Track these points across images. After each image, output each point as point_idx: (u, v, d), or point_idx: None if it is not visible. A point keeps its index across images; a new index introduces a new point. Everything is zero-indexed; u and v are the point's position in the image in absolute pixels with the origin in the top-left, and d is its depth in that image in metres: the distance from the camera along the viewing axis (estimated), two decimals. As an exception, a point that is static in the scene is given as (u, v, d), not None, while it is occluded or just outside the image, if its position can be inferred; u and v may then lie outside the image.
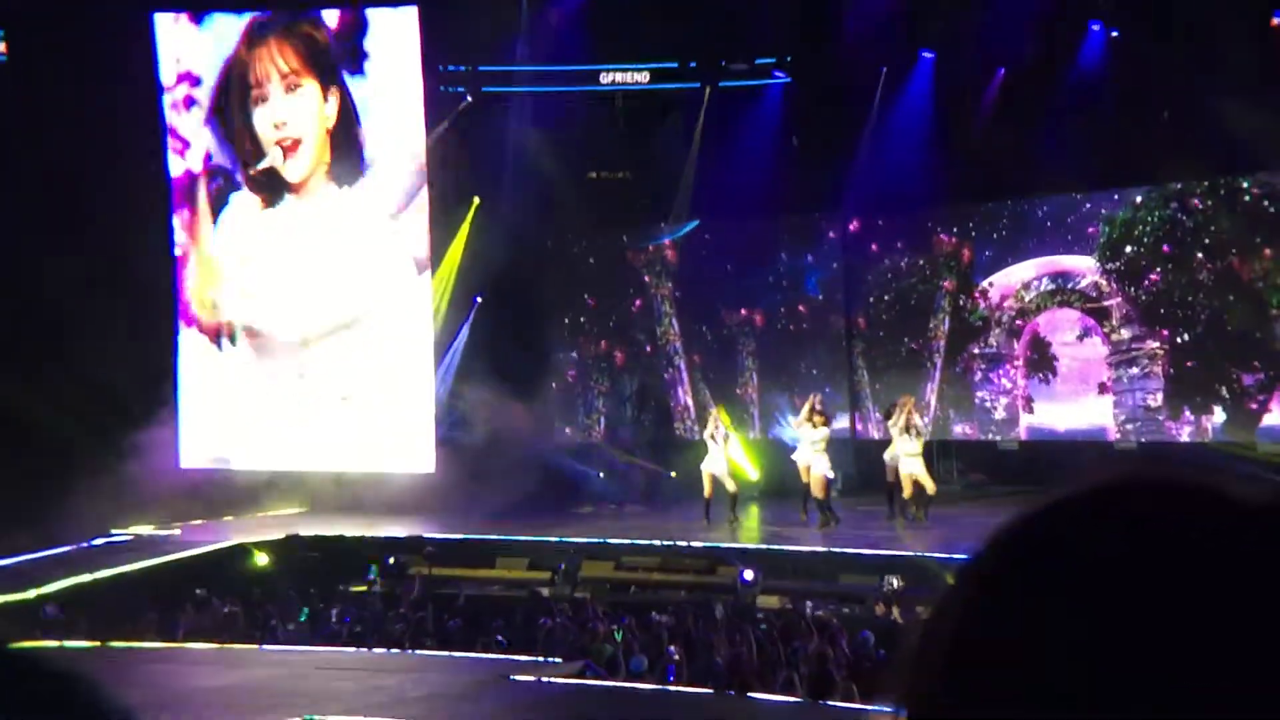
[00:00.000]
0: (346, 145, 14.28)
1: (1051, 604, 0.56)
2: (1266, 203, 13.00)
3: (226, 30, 14.55)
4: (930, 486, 12.30)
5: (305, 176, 14.40)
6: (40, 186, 12.85)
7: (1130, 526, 0.57)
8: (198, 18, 14.64)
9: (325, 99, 14.21)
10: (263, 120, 14.32)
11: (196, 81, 14.69)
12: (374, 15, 14.27)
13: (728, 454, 12.84)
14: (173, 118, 14.79)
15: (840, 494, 13.98)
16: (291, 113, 14.22)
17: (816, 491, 12.40)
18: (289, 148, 14.21)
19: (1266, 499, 0.58)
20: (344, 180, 14.35)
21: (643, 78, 15.10)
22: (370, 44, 14.22)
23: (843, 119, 15.13)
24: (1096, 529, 0.58)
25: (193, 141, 14.84)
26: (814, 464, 12.33)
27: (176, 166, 14.90)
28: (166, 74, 14.69)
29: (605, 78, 15.06)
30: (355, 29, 14.17)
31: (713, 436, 12.89)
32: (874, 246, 15.37)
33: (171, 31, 14.71)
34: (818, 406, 12.60)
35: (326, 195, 14.44)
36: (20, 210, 12.82)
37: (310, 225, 14.49)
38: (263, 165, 14.29)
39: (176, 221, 14.85)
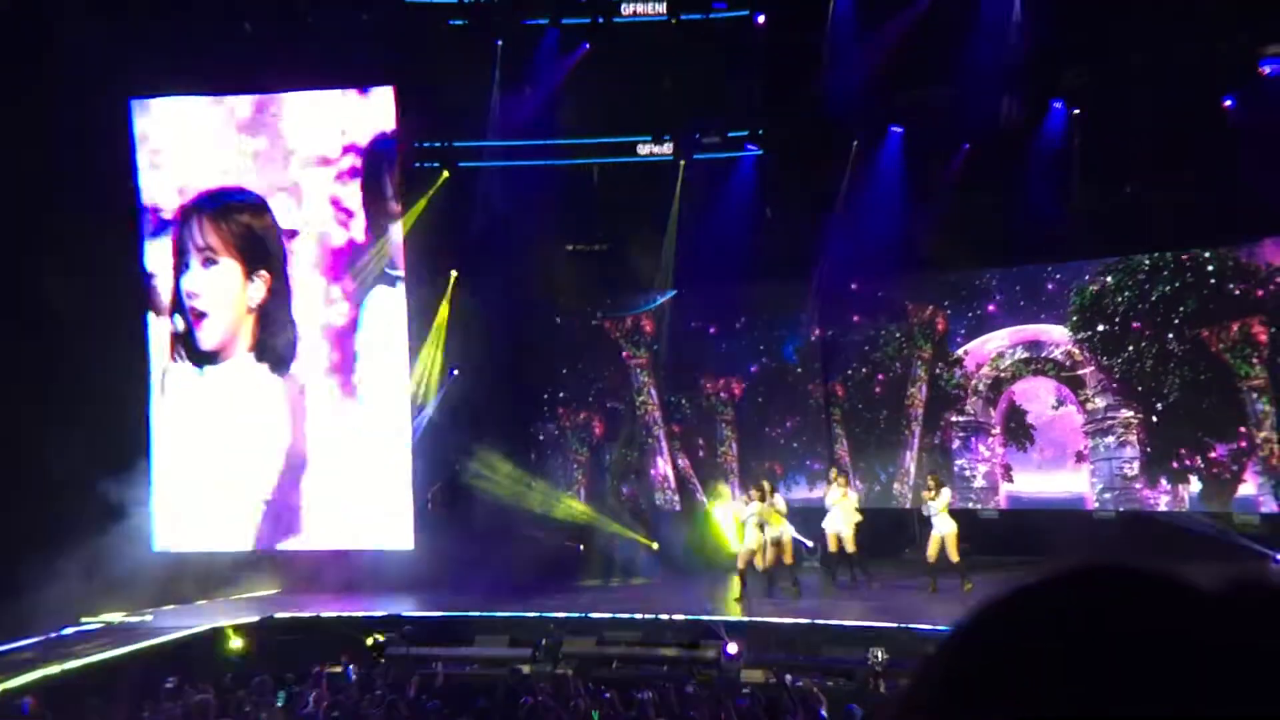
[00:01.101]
0: (276, 325, 14.36)
1: (1017, 694, 0.57)
2: (1229, 276, 13.27)
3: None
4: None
5: (218, 347, 14.46)
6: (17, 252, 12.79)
7: (1091, 617, 0.58)
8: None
9: (249, 279, 14.33)
10: (186, 283, 14.49)
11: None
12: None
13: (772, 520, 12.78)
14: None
15: (820, 562, 13.97)
16: (204, 286, 14.39)
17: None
18: (197, 316, 14.35)
19: (1227, 588, 0.60)
20: (268, 359, 14.40)
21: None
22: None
23: (815, 191, 15.39)
24: (1059, 620, 0.59)
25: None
26: (841, 528, 12.77)
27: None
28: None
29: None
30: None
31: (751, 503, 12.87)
32: (849, 315, 15.52)
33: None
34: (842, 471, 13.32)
35: (251, 368, 14.49)
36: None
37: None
38: (176, 327, 14.39)
39: (151, 319, 14.76)
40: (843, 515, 12.91)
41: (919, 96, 14.56)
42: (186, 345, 14.48)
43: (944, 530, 12.48)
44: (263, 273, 14.40)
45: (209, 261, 14.38)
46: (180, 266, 14.48)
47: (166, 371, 14.59)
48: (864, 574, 12.96)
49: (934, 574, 12.41)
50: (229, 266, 14.40)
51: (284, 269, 14.42)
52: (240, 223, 14.42)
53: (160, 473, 14.52)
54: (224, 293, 14.41)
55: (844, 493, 13.03)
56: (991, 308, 14.84)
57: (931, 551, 12.52)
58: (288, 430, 14.41)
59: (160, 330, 14.62)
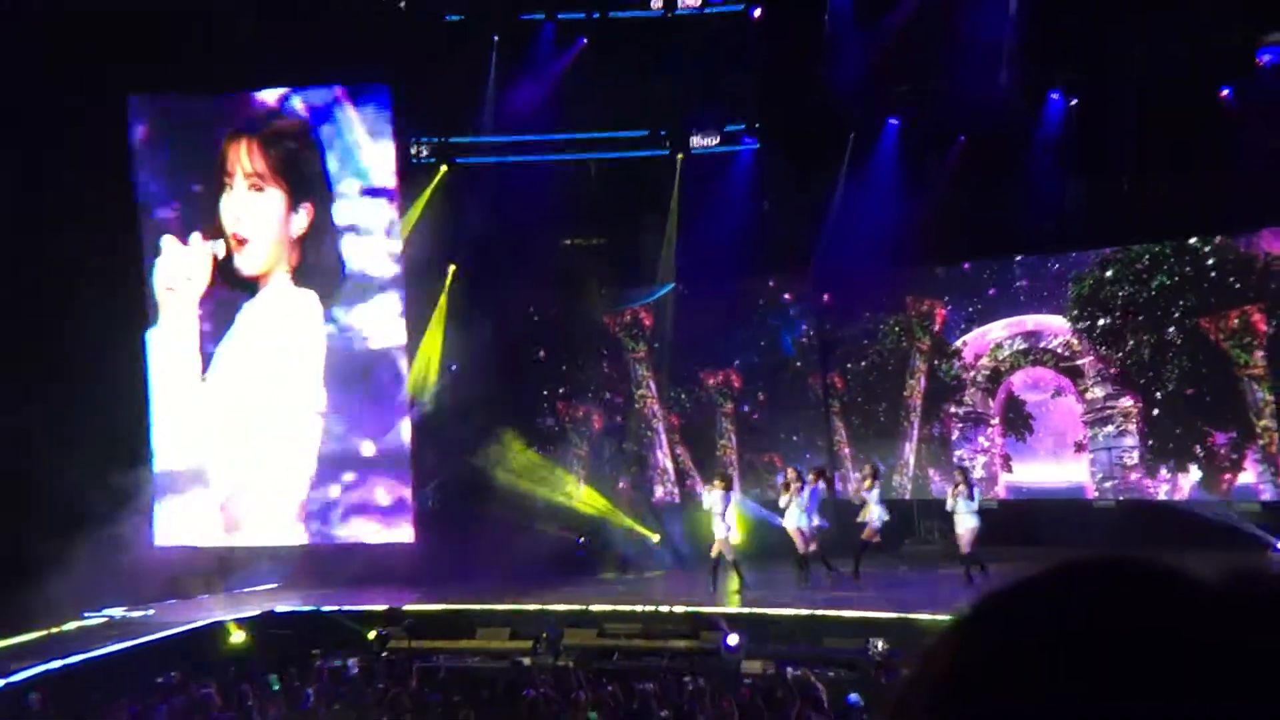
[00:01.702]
0: (321, 254, 14.32)
1: (1018, 689, 0.58)
2: (1228, 266, 13.28)
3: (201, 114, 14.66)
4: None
5: (262, 272, 14.40)
6: (16, 280, 12.80)
7: (1089, 612, 0.59)
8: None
9: (293, 209, 14.29)
10: (225, 208, 14.41)
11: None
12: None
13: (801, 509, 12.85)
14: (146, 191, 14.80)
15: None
16: (246, 211, 14.32)
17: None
18: (240, 242, 14.28)
19: (1222, 583, 0.61)
20: (314, 285, 14.37)
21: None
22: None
23: (812, 184, 15.40)
24: (1059, 614, 0.60)
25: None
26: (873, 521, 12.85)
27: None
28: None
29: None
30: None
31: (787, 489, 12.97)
32: (848, 308, 15.54)
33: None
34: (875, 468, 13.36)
35: (292, 294, 14.43)
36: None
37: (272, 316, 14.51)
38: (219, 250, 14.33)
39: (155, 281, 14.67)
40: (871, 508, 12.98)
41: (916, 89, 14.57)
42: (226, 271, 14.32)
43: (971, 524, 12.49)
44: (306, 204, 14.32)
45: (256, 189, 14.26)
46: (220, 188, 14.28)
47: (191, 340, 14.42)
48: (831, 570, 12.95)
49: (967, 563, 12.35)
50: (273, 195, 14.27)
51: (329, 202, 14.28)
52: (288, 149, 14.30)
53: (162, 466, 14.53)
54: (267, 220, 14.24)
55: (874, 488, 13.04)
56: (990, 299, 14.85)
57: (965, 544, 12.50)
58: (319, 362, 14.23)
59: (192, 260, 14.34)
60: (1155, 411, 13.71)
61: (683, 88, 15.40)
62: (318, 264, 14.32)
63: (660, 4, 15.28)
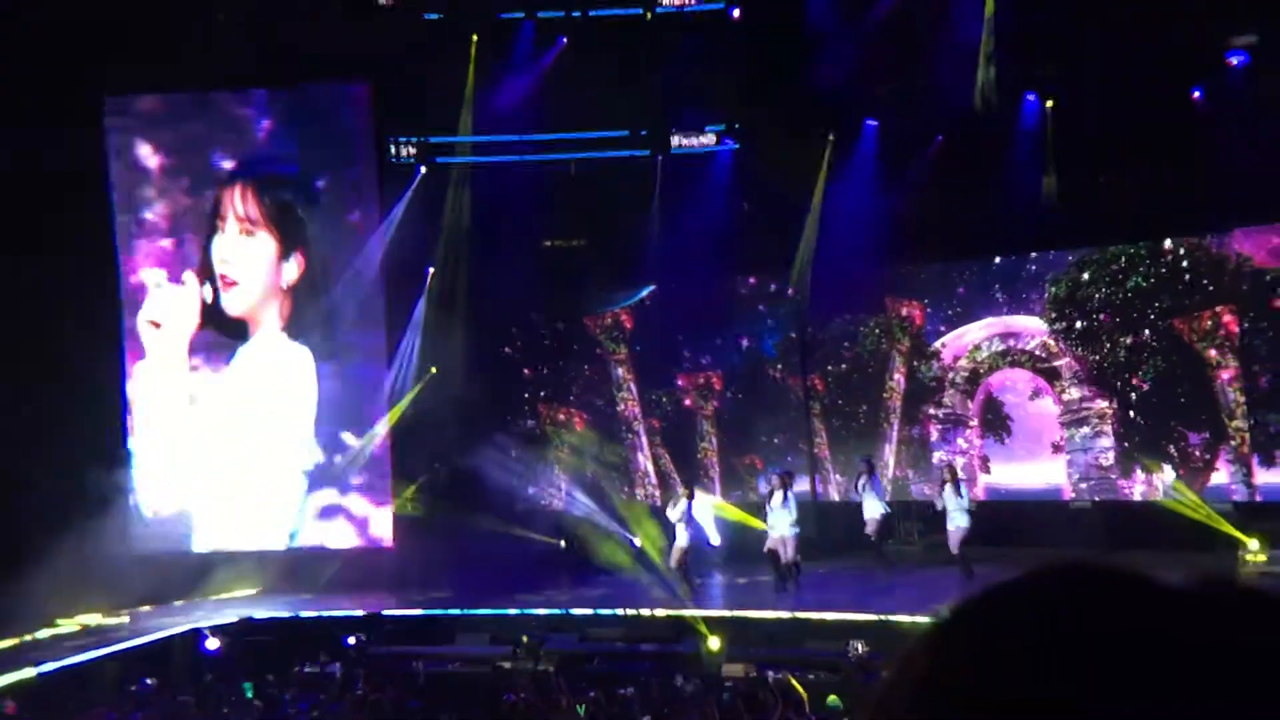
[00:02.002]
0: (314, 305, 14.28)
1: (1000, 691, 0.57)
2: (1200, 267, 13.40)
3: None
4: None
5: (248, 314, 14.33)
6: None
7: (1069, 615, 0.59)
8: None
9: (284, 257, 14.23)
10: (216, 249, 14.33)
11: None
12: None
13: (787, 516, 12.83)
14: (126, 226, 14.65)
15: (802, 556, 14.04)
16: (237, 254, 14.25)
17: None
18: (229, 284, 14.21)
19: (1193, 586, 0.61)
20: (307, 339, 14.31)
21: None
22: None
23: (792, 185, 15.40)
24: (1037, 618, 0.60)
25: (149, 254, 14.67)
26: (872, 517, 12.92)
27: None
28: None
29: None
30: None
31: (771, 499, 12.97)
32: (828, 310, 15.56)
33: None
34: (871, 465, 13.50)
35: (285, 346, 14.39)
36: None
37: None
38: (205, 291, 14.24)
39: (126, 312, 14.56)
40: (871, 506, 13.09)
41: (894, 90, 14.61)
42: (211, 314, 14.27)
43: (960, 523, 12.54)
44: (298, 254, 14.26)
45: (247, 233, 14.23)
46: (212, 230, 14.25)
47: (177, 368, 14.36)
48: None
49: (962, 562, 12.36)
50: (265, 240, 14.24)
51: (321, 253, 14.29)
52: (280, 198, 14.26)
53: (140, 472, 14.39)
54: (257, 264, 14.24)
55: (870, 482, 13.21)
56: (968, 300, 14.92)
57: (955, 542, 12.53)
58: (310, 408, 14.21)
59: (161, 303, 14.32)
60: (1130, 413, 13.83)
61: (663, 88, 15.37)
62: (310, 316, 14.25)
63: (640, 4, 15.25)
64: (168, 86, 14.38)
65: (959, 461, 14.79)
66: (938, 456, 14.84)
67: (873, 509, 13.08)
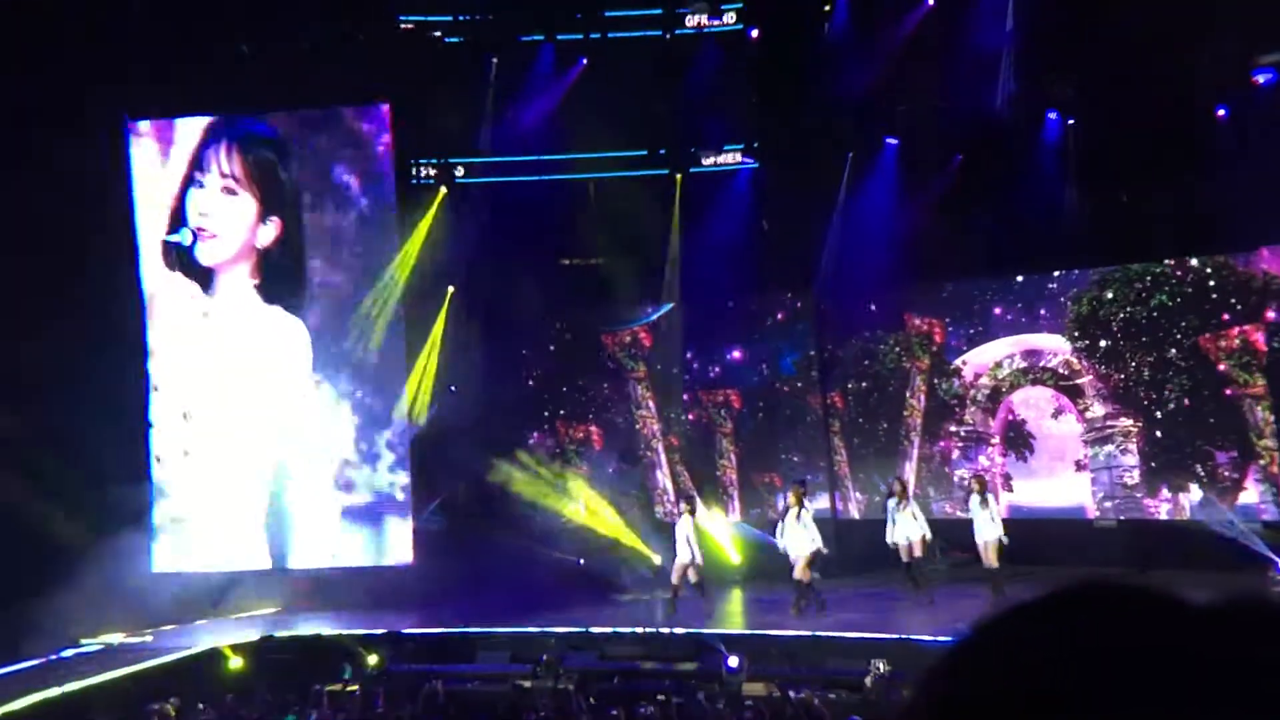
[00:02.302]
0: (285, 271, 14.37)
1: (1023, 710, 0.57)
2: (1227, 285, 13.31)
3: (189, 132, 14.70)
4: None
5: (220, 263, 14.43)
6: (14, 292, 12.76)
7: (1085, 634, 0.59)
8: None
9: (262, 220, 14.34)
10: (192, 201, 14.40)
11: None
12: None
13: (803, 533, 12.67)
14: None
15: (822, 575, 13.96)
16: (216, 208, 14.35)
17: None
18: (204, 236, 14.32)
19: (1218, 606, 0.60)
20: (275, 300, 14.40)
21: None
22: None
23: (811, 203, 15.43)
24: (1058, 638, 0.60)
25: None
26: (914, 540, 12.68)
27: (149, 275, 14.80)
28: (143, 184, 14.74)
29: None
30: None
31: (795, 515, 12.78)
32: (848, 327, 15.54)
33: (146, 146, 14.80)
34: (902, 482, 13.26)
35: (262, 310, 14.50)
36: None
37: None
38: (174, 237, 14.33)
39: (150, 327, 14.72)
40: (906, 525, 12.79)
41: (914, 108, 14.62)
42: (184, 259, 14.35)
43: (988, 536, 12.35)
44: (275, 218, 14.36)
45: (229, 191, 14.35)
46: (191, 181, 14.35)
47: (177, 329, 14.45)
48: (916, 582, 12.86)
49: (996, 578, 12.18)
50: (246, 200, 14.36)
51: (299, 218, 14.35)
52: (264, 159, 14.38)
53: (161, 492, 14.48)
54: (236, 221, 14.35)
55: (904, 504, 12.85)
56: (989, 317, 14.86)
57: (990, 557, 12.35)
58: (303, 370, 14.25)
59: (161, 289, 14.47)
60: (1156, 431, 13.71)
61: (682, 107, 15.44)
62: (283, 277, 14.37)
63: (660, 25, 15.35)
64: (187, 109, 14.56)
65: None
66: (959, 474, 14.74)
67: (906, 532, 12.81)
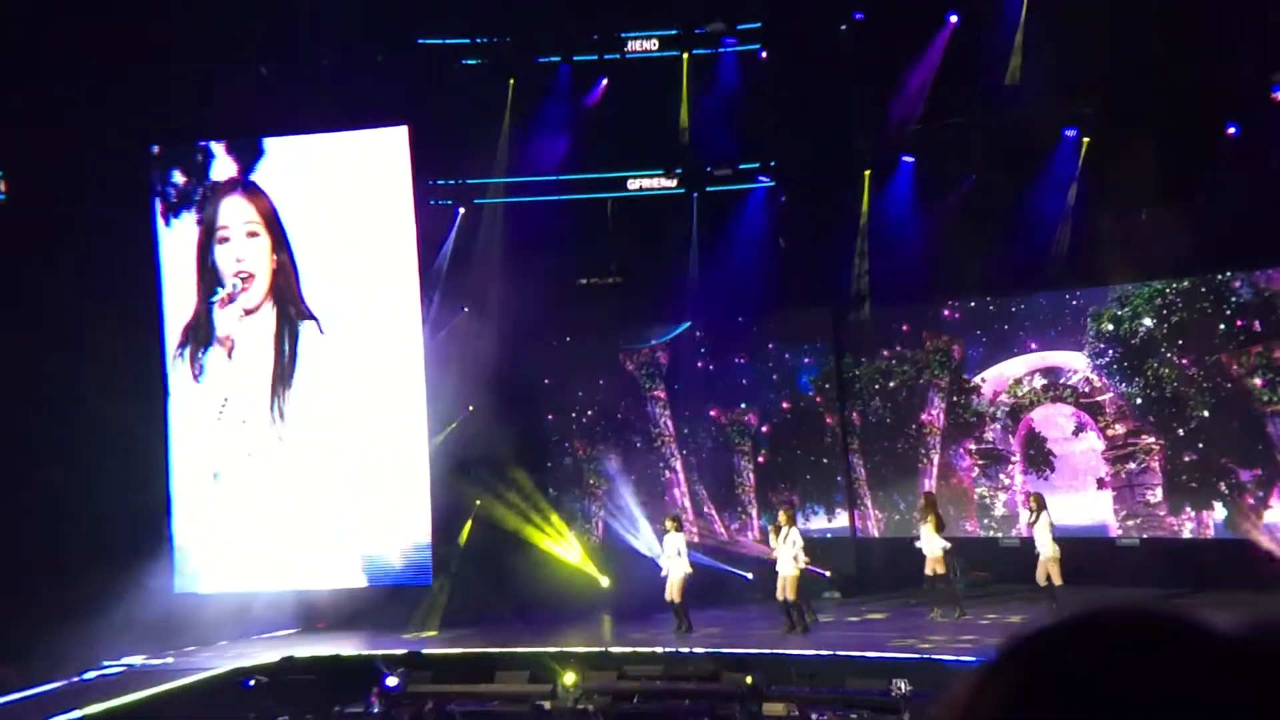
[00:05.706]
0: (301, 294, 14.75)
1: None
2: (1247, 301, 13.22)
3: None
4: None
5: (257, 305, 14.84)
6: (36, 323, 12.91)
7: (1112, 661, 0.59)
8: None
9: (274, 252, 14.81)
10: (224, 256, 14.77)
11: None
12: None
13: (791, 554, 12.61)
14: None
15: (844, 595, 13.97)
16: (248, 252, 14.80)
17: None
18: (245, 279, 14.69)
19: (1244, 633, 0.61)
20: (296, 321, 14.72)
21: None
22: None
23: (828, 221, 15.43)
24: (1077, 664, 0.60)
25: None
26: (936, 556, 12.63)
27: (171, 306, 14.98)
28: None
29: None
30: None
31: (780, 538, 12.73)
32: (866, 345, 15.51)
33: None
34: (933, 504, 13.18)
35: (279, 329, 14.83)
36: (17, 341, 12.84)
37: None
38: (222, 293, 14.61)
39: (169, 356, 14.89)
40: (927, 540, 12.77)
41: (931, 126, 14.62)
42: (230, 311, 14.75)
43: (1048, 553, 12.25)
44: (280, 253, 14.72)
45: (252, 234, 14.76)
46: (211, 242, 14.75)
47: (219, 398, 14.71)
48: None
49: (1051, 595, 12.11)
50: (264, 238, 14.78)
51: (289, 252, 14.72)
52: (266, 200, 14.78)
53: (181, 514, 14.55)
54: (261, 259, 14.79)
55: (932, 524, 12.78)
56: (1008, 335, 14.80)
57: (1040, 575, 12.29)
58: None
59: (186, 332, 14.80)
60: (1178, 448, 13.60)
61: (697, 126, 15.49)
62: (300, 299, 14.68)
63: (676, 46, 15.42)
64: (207, 134, 14.72)
65: (1001, 498, 14.63)
66: (979, 493, 14.66)
67: (932, 547, 12.75)
